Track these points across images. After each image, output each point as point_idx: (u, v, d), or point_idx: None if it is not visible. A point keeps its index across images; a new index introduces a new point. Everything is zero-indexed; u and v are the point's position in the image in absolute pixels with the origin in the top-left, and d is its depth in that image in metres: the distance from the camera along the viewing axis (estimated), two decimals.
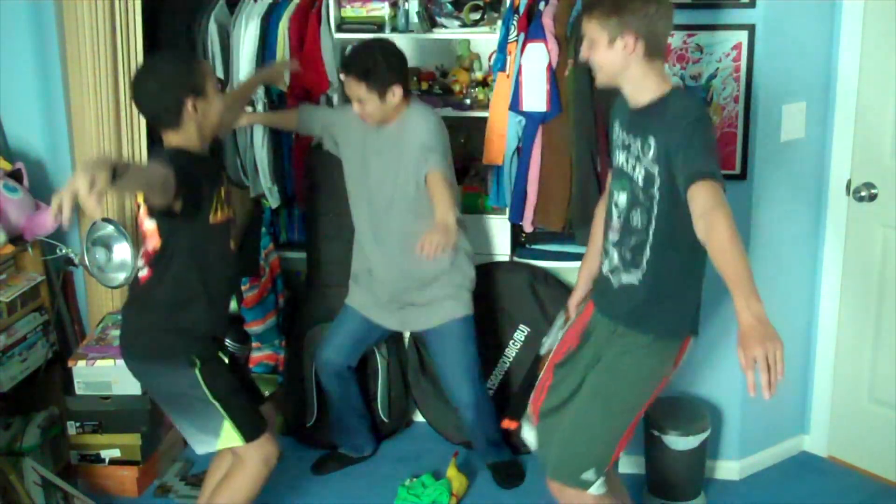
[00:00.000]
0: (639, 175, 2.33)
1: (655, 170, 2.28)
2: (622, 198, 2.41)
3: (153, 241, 2.54)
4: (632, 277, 2.41)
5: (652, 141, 2.28)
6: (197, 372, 2.59)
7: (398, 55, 3.07)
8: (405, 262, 3.15)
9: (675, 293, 2.40)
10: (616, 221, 2.45)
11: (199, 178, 2.45)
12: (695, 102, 2.32)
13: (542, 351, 2.77)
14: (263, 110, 3.58)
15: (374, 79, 2.99)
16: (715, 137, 2.25)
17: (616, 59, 2.29)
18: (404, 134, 3.10)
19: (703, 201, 2.07)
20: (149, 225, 2.53)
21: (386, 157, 3.13)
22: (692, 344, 2.46)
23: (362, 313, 3.33)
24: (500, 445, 3.45)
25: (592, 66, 2.38)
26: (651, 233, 2.34)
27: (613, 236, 2.46)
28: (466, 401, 3.29)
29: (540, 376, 2.68)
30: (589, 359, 2.53)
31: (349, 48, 3.29)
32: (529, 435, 2.69)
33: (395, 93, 3.03)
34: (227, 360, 2.73)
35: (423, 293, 3.22)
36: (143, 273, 2.60)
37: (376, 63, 2.99)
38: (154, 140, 3.42)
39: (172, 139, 2.54)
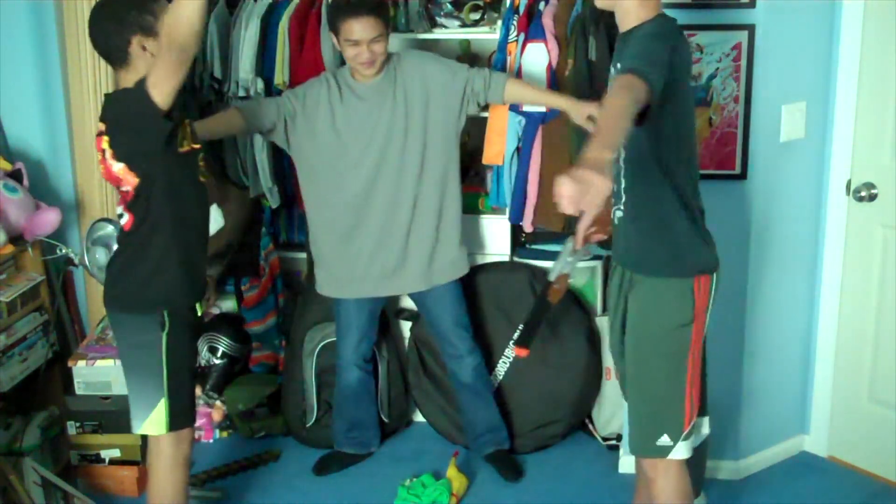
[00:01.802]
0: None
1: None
2: None
3: (128, 182, 2.51)
4: (619, 211, 2.42)
5: (619, 65, 2.28)
6: (164, 335, 2.58)
7: None
8: (429, 218, 3.16)
9: (659, 227, 2.35)
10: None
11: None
12: (660, 23, 2.28)
13: (552, 277, 2.76)
14: None
15: (385, 14, 2.97)
16: (663, 49, 2.17)
17: None
18: (404, 80, 3.05)
19: (616, 83, 2.07)
20: (118, 167, 2.48)
21: (387, 114, 3.07)
22: (715, 281, 2.39)
23: (355, 297, 3.30)
24: (499, 430, 3.44)
25: None
26: (622, 161, 2.34)
27: (613, 168, 2.44)
28: (467, 347, 3.33)
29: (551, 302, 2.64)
30: (620, 314, 2.51)
31: None
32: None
33: (389, 32, 3.02)
34: (198, 317, 2.72)
35: (426, 258, 3.21)
36: (125, 220, 2.59)
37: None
38: None
39: (124, 79, 2.50)
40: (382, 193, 3.15)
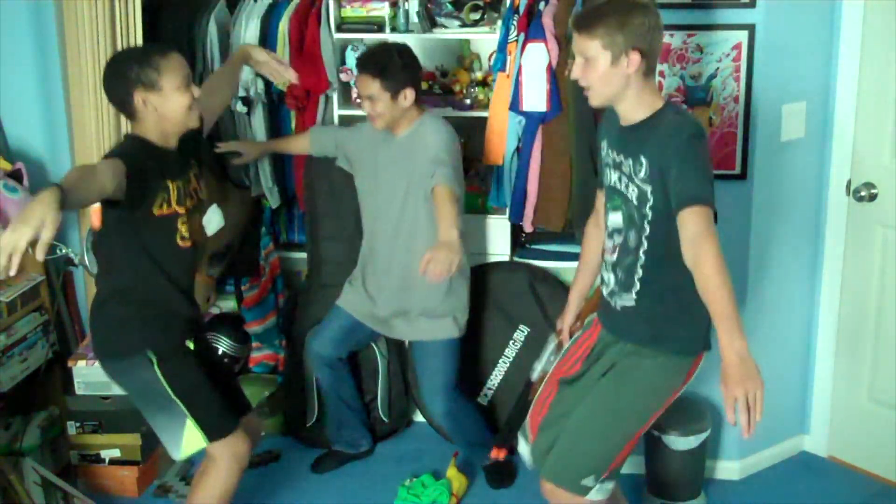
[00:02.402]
0: (632, 194, 2.29)
1: (648, 189, 2.24)
2: (617, 217, 2.37)
3: (94, 222, 2.54)
4: (627, 299, 2.38)
5: (643, 159, 2.24)
6: (156, 368, 2.56)
7: (414, 59, 3.12)
8: (409, 281, 3.17)
9: (679, 311, 2.34)
10: (610, 242, 2.41)
11: (146, 170, 2.42)
12: (688, 118, 2.26)
13: (534, 376, 2.73)
14: (262, 110, 3.57)
15: (389, 77, 3.00)
16: (708, 155, 2.21)
17: (617, 78, 2.22)
18: (416, 145, 3.10)
19: (693, 227, 2.08)
20: (95, 205, 2.47)
21: (395, 169, 3.14)
22: (705, 358, 2.41)
23: (352, 314, 3.35)
24: (489, 447, 3.44)
25: (586, 86, 2.29)
26: (642, 252, 2.31)
27: (610, 258, 2.43)
28: (439, 411, 3.33)
29: (539, 391, 2.63)
30: (595, 371, 2.48)
31: (363, 48, 3.37)
32: (525, 451, 2.64)
33: (408, 95, 3.05)
34: (195, 350, 2.68)
35: (417, 310, 3.22)
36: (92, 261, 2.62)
37: (392, 61, 3.01)
38: None
39: (135, 127, 2.54)
40: (388, 237, 3.21)
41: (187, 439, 2.63)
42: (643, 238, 2.29)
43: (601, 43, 2.20)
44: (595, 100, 2.31)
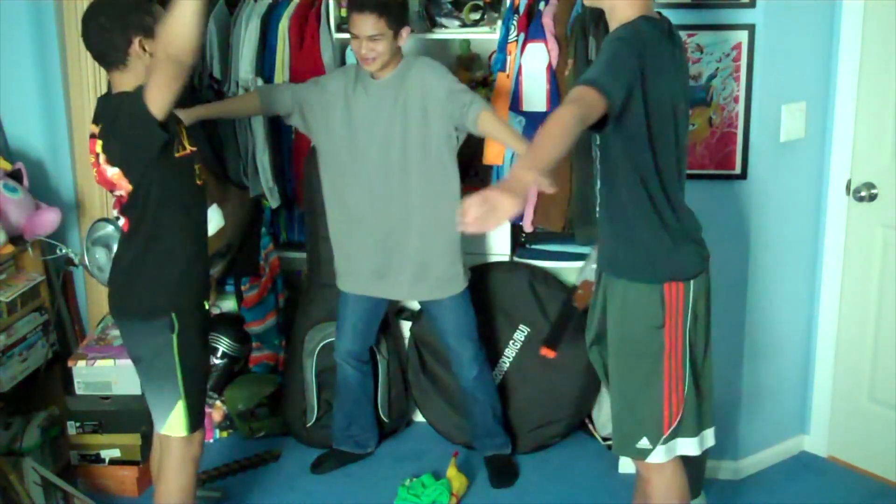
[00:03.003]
0: None
1: None
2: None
3: (122, 187, 2.51)
4: (598, 210, 2.45)
5: None
6: (174, 336, 2.57)
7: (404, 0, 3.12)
8: (429, 232, 3.15)
9: (628, 231, 2.34)
10: None
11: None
12: (635, 25, 2.24)
13: (578, 281, 2.75)
14: None
15: (392, 14, 2.98)
16: (628, 55, 2.16)
17: None
18: (408, 83, 3.06)
19: (568, 96, 2.08)
20: (112, 172, 2.48)
21: (385, 114, 3.08)
22: (689, 289, 2.34)
23: (361, 294, 3.31)
24: (499, 436, 3.45)
25: None
26: (598, 165, 2.36)
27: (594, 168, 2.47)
28: (469, 356, 3.31)
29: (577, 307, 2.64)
30: (598, 309, 2.52)
31: None
32: None
33: (404, 35, 3.03)
34: (206, 314, 2.72)
35: (440, 265, 3.20)
36: (121, 223, 2.59)
37: (386, 0, 2.99)
38: None
39: (120, 82, 2.49)
40: (379, 194, 3.15)
41: (172, 420, 2.65)
42: (596, 146, 2.33)
43: None
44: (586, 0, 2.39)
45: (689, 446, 2.44)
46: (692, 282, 2.36)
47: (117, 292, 2.66)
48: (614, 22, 2.29)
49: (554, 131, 1.97)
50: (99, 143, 2.48)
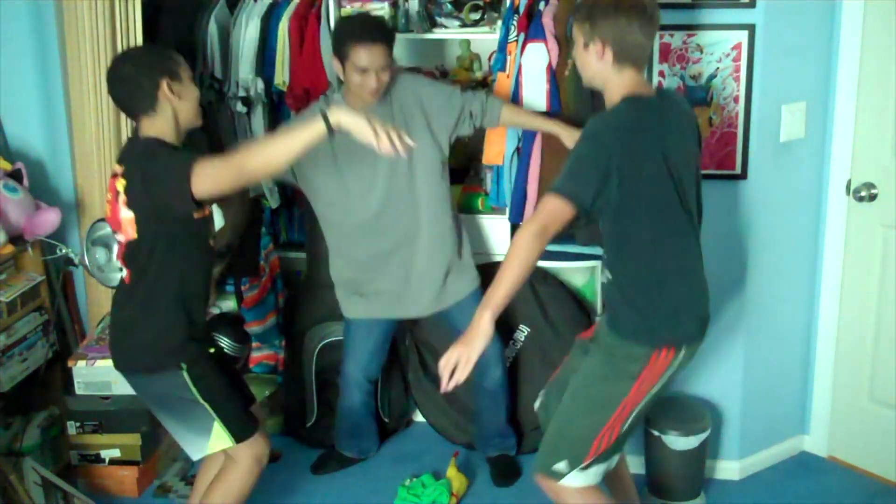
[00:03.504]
0: None
1: None
2: None
3: (126, 233, 2.51)
4: (603, 276, 2.49)
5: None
6: (185, 374, 2.58)
7: None
8: (436, 251, 3.16)
9: (635, 295, 2.39)
10: None
11: None
12: (604, 115, 2.35)
13: None
14: (262, 110, 3.57)
15: (393, 41, 2.98)
16: (593, 153, 2.25)
17: (588, 62, 2.38)
18: (400, 102, 3.05)
19: (535, 214, 2.27)
20: (126, 215, 2.49)
21: None
22: (677, 357, 2.39)
23: (371, 318, 3.29)
24: (508, 436, 3.44)
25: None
26: (606, 233, 2.40)
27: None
28: (497, 356, 3.29)
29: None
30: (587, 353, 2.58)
31: (343, 21, 3.19)
32: (537, 403, 2.79)
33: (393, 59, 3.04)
34: (214, 354, 2.72)
35: (444, 275, 3.20)
36: (124, 273, 2.59)
37: (388, 27, 3.00)
38: None
39: (148, 128, 2.51)
40: (394, 216, 3.12)
41: (213, 441, 2.64)
42: (602, 220, 2.39)
43: (577, 27, 2.39)
44: (583, 79, 2.48)
45: (597, 473, 2.48)
46: (683, 349, 2.40)
47: (119, 350, 2.66)
48: (608, 101, 2.39)
49: (508, 268, 2.29)
50: (122, 182, 2.48)
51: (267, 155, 2.33)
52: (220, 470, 2.76)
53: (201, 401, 2.60)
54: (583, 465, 2.44)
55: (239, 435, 2.65)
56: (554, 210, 2.23)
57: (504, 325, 3.59)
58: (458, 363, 2.21)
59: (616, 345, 2.43)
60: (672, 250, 2.38)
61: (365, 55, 2.88)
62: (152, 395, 2.69)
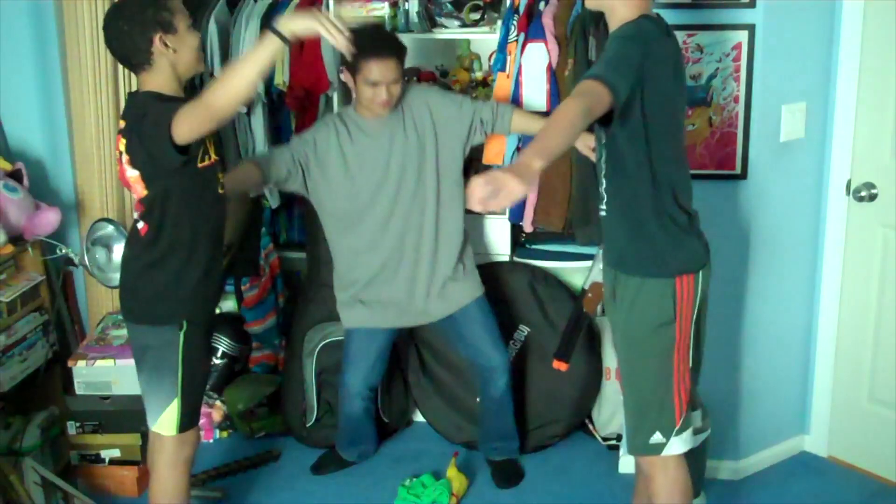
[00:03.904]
0: None
1: None
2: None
3: (138, 192, 2.51)
4: (603, 209, 2.44)
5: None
6: (181, 333, 2.58)
7: None
8: (439, 260, 3.16)
9: (637, 228, 2.35)
10: (594, 142, 2.48)
11: None
12: (638, 24, 2.27)
13: (585, 285, 2.75)
14: (262, 110, 3.57)
15: (404, 55, 2.99)
16: (635, 52, 2.19)
17: None
18: (411, 112, 3.06)
19: (575, 90, 2.11)
20: (132, 174, 2.48)
21: (399, 147, 3.07)
22: (702, 277, 2.38)
23: (372, 327, 3.28)
24: (513, 439, 3.44)
25: None
26: (603, 160, 2.36)
27: (597, 158, 2.47)
28: (503, 364, 3.28)
29: (587, 312, 2.67)
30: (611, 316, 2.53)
31: (354, 34, 3.21)
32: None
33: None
34: (210, 338, 2.75)
35: (445, 283, 3.20)
36: (140, 225, 2.57)
37: (399, 41, 3.00)
38: None
39: (147, 81, 2.49)
40: (403, 225, 3.14)
41: (164, 418, 2.65)
42: (602, 144, 2.35)
43: None
44: (588, 2, 2.41)
45: (690, 437, 2.47)
46: (700, 273, 2.38)
47: (129, 295, 2.65)
48: (615, 22, 2.32)
49: (561, 122, 2.01)
50: (123, 141, 2.47)
51: (231, 85, 2.27)
52: (151, 468, 2.78)
53: (179, 368, 2.59)
54: (677, 429, 2.41)
55: (184, 424, 2.66)
56: (597, 94, 2.06)
57: (504, 325, 3.59)
58: (494, 189, 1.87)
59: (636, 287, 2.37)
60: (676, 177, 2.36)
61: (377, 69, 2.91)
62: (143, 346, 2.65)
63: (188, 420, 2.68)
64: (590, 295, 2.70)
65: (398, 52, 2.97)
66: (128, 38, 2.43)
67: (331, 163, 3.09)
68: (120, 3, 2.50)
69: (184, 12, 2.53)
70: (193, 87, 3.53)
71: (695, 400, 2.55)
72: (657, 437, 2.42)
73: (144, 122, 2.40)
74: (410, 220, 3.13)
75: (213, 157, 2.56)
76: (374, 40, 2.96)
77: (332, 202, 3.15)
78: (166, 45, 2.45)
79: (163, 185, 2.48)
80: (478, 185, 1.87)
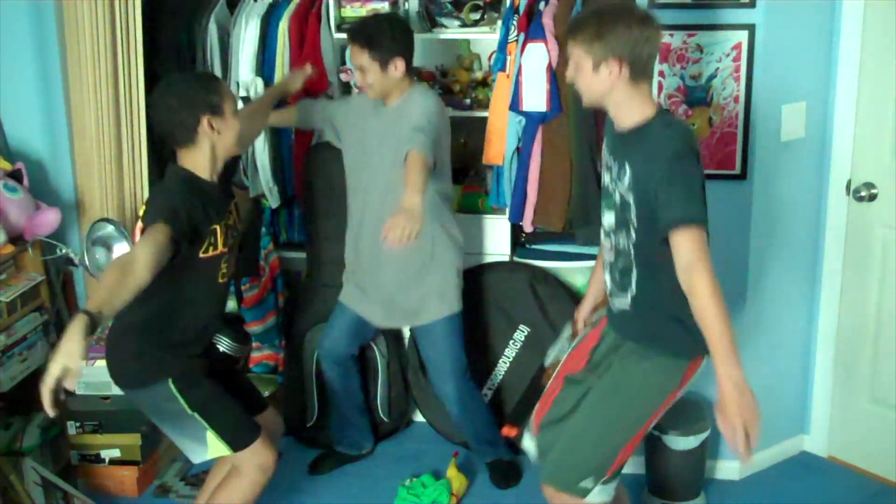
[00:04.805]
0: (618, 198, 2.32)
1: (630, 197, 2.26)
2: (610, 217, 2.39)
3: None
4: (624, 302, 2.40)
5: (628, 168, 2.26)
6: (171, 384, 2.57)
7: (406, 29, 3.10)
8: (397, 262, 3.15)
9: (673, 317, 2.33)
10: (607, 241, 2.43)
11: (194, 219, 2.43)
12: (676, 132, 2.25)
13: (547, 362, 2.74)
14: None
15: (377, 47, 3.00)
16: (697, 172, 2.20)
17: (601, 83, 2.26)
18: (403, 115, 3.08)
19: (685, 254, 2.10)
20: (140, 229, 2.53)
21: (384, 139, 3.11)
22: (704, 363, 2.39)
23: (353, 309, 3.33)
24: (497, 444, 3.44)
25: (578, 88, 2.34)
26: (633, 256, 2.32)
27: (608, 258, 2.45)
28: (451, 396, 3.29)
29: (547, 385, 2.64)
30: (597, 372, 2.50)
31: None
32: (529, 444, 2.64)
33: (398, 66, 3.03)
34: (207, 362, 2.70)
35: (409, 291, 3.20)
36: None
37: (381, 32, 3.01)
38: (154, 141, 3.43)
39: (186, 159, 2.54)
40: (372, 215, 3.16)
41: (211, 449, 2.64)
42: (631, 244, 2.31)
43: (582, 49, 2.26)
44: (585, 101, 2.37)
45: (612, 488, 2.45)
46: (705, 356, 2.36)
47: (109, 363, 2.67)
48: (627, 119, 2.29)
49: (722, 309, 2.09)
50: (143, 207, 2.53)
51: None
52: (226, 476, 2.75)
53: (190, 412, 2.58)
54: (606, 478, 2.40)
55: (234, 444, 2.63)
56: (703, 242, 2.12)
57: (504, 326, 3.60)
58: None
59: (657, 361, 2.37)
60: None
61: (351, 53, 3.08)
62: (145, 406, 2.70)
63: (236, 436, 2.64)
64: (550, 371, 2.71)
65: (362, 40, 3.00)
66: (176, 115, 2.47)
67: (354, 127, 3.21)
68: (172, 80, 2.55)
69: (232, 97, 2.57)
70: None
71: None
72: (588, 482, 2.40)
73: (150, 202, 2.45)
74: (384, 218, 3.09)
75: (221, 248, 2.57)
76: (355, 26, 3.09)
77: (350, 164, 3.26)
78: (212, 126, 2.48)
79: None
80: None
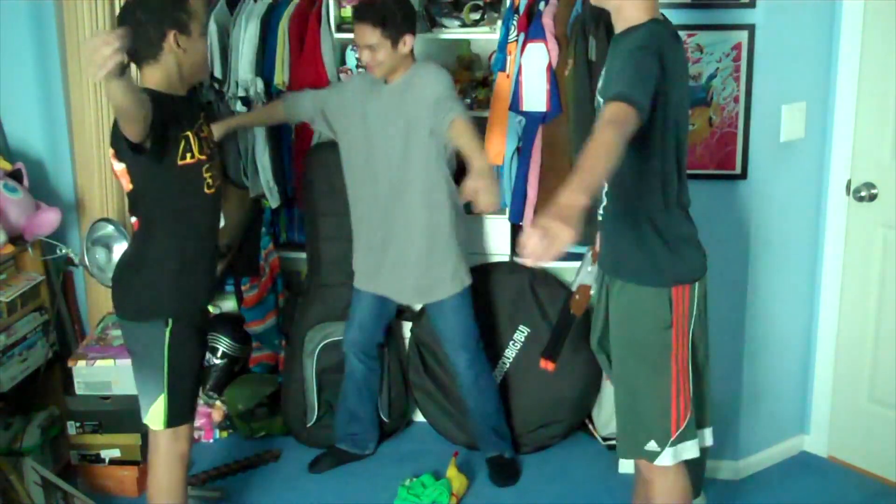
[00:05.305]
0: (598, 102, 2.35)
1: (601, 100, 2.29)
2: None
3: (124, 185, 2.52)
4: (601, 213, 2.43)
5: (604, 72, 2.30)
6: (167, 331, 2.57)
7: (410, 5, 3.11)
8: (409, 241, 3.17)
9: (634, 235, 2.33)
10: None
11: (164, 120, 2.40)
12: (649, 29, 2.24)
13: (573, 288, 2.74)
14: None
15: (390, 24, 3.01)
16: (654, 66, 2.16)
17: None
18: (412, 90, 3.08)
19: (608, 115, 2.05)
20: (118, 167, 2.49)
21: (389, 117, 3.11)
22: (694, 291, 2.35)
23: (370, 290, 3.34)
24: (503, 436, 3.44)
25: None
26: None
27: None
28: (463, 364, 3.32)
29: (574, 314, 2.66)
30: (603, 310, 2.51)
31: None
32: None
33: (407, 42, 3.05)
34: (203, 329, 2.73)
35: (423, 269, 3.21)
36: (133, 220, 2.58)
37: (390, 10, 3.02)
38: None
39: (149, 76, 2.49)
40: (383, 195, 3.18)
41: (153, 412, 2.64)
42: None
43: None
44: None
45: (691, 448, 2.43)
46: (696, 284, 2.36)
47: (116, 290, 2.66)
48: (621, 23, 2.29)
49: (599, 154, 1.94)
50: (111, 135, 2.49)
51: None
52: (149, 465, 2.77)
53: (165, 365, 2.58)
54: (673, 440, 2.38)
55: (172, 419, 2.65)
56: (628, 117, 2.02)
57: (504, 326, 3.59)
58: (547, 241, 1.75)
59: (632, 293, 2.36)
60: (680, 186, 2.35)
61: (356, 32, 3.06)
62: (133, 341, 2.67)
63: (178, 415, 2.67)
64: (577, 297, 2.69)
65: (374, 18, 3.00)
66: (142, 29, 2.42)
67: (353, 112, 3.20)
68: None
69: (200, 19, 2.53)
70: (195, 88, 3.53)
71: (706, 416, 2.50)
72: (651, 446, 2.39)
73: (114, 125, 2.41)
74: (396, 196, 3.16)
75: (198, 155, 2.54)
76: (362, 5, 3.08)
77: (349, 150, 3.26)
78: (178, 44, 2.45)
79: (142, 180, 2.48)
80: (530, 237, 1.76)
